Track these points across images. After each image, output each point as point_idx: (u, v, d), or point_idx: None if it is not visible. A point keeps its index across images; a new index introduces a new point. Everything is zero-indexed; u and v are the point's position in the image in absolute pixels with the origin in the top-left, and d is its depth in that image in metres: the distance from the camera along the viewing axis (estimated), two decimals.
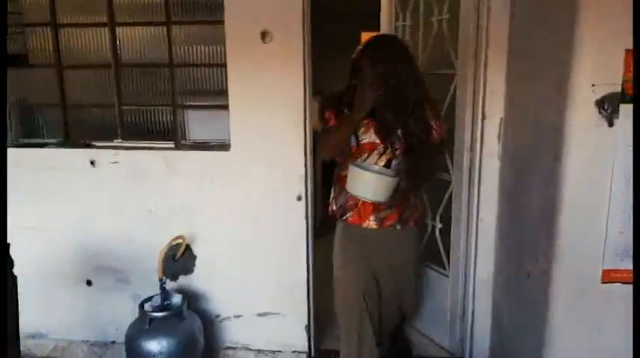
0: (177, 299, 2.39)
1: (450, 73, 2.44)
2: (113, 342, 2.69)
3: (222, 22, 2.34)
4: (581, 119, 1.68)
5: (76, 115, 2.63)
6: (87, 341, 2.70)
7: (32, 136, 2.69)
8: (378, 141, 2.05)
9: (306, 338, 2.59)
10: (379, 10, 2.91)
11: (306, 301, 2.56)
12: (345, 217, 2.13)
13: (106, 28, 2.47)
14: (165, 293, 2.37)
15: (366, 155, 2.05)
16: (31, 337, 2.67)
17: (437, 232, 2.64)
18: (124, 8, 2.49)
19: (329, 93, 2.21)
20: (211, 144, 2.55)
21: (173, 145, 2.55)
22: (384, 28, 2.88)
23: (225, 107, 2.44)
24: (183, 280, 2.59)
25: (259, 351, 2.62)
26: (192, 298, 2.53)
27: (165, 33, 2.46)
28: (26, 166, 2.56)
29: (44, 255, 2.59)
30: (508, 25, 2.19)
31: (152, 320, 2.28)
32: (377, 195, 1.96)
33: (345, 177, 2.03)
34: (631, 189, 1.65)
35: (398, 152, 2.04)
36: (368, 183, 1.94)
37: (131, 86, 2.57)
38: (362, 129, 2.04)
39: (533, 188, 1.99)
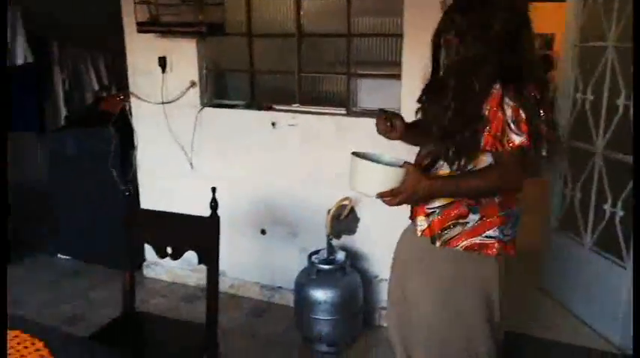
0: (341, 255, 2.57)
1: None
2: (280, 287, 2.98)
3: None
4: None
5: (261, 80, 2.90)
6: (258, 283, 3.03)
7: (223, 98, 3.03)
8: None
9: None
10: None
11: None
12: None
13: (293, 0, 2.65)
14: (331, 249, 2.56)
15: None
16: None
17: (617, 220, 2.44)
18: None
19: None
20: None
21: (345, 112, 2.69)
22: None
23: (397, 76, 2.50)
24: (345, 239, 2.75)
25: None
26: (353, 256, 2.69)
27: (345, 4, 2.56)
28: (218, 124, 2.91)
29: (229, 203, 2.92)
30: None
31: (319, 271, 2.49)
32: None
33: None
34: None
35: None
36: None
37: (310, 54, 2.75)
38: None
39: None
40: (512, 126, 1.43)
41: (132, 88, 3.06)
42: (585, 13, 2.69)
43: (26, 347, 1.33)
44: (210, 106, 2.94)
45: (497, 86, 1.44)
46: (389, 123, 1.69)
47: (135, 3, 2.64)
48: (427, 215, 1.60)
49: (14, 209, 3.48)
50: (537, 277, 3.11)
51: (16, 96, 3.61)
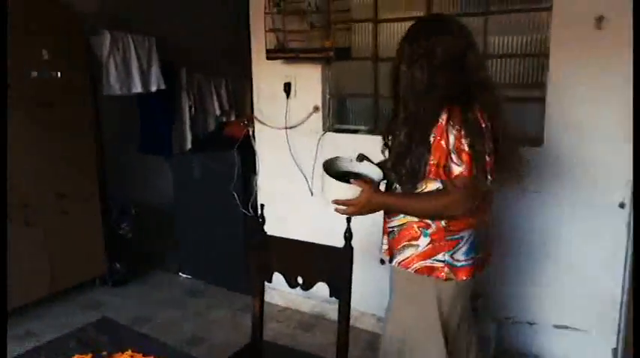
0: None
1: None
2: None
3: (548, 9, 2.18)
4: None
5: (385, 105, 2.80)
6: (375, 315, 2.89)
7: (344, 123, 2.98)
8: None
9: None
10: None
11: (616, 320, 2.25)
12: None
13: None
14: None
15: None
16: (326, 302, 2.99)
17: None
18: (441, 1, 2.53)
19: None
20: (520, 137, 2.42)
21: None
22: None
23: (538, 99, 2.30)
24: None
25: None
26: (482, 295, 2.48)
27: (482, 23, 2.41)
28: (340, 149, 2.83)
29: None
30: None
31: None
32: None
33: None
34: None
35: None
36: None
37: None
38: None
39: None
40: (453, 156, 1.49)
41: (256, 113, 3.12)
42: None
43: None
44: (332, 131, 2.90)
45: (444, 114, 1.50)
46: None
47: (265, 31, 2.68)
48: (388, 233, 1.76)
49: (143, 226, 3.67)
50: None
51: (149, 120, 3.85)
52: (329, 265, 1.82)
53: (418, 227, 1.65)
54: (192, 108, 3.90)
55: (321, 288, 1.82)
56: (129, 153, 3.96)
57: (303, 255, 1.90)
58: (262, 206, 1.99)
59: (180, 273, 3.73)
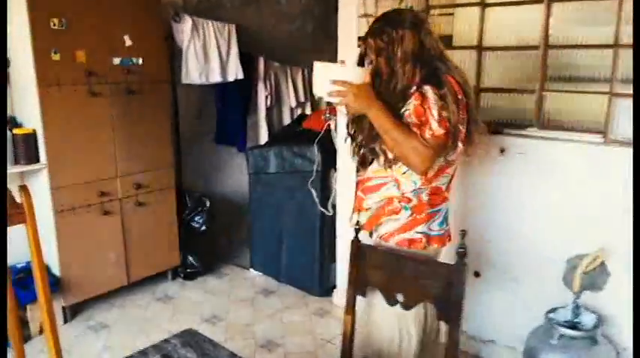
0: (589, 318, 2.07)
1: None
2: (491, 341, 2.55)
3: None
4: None
5: (488, 99, 2.51)
6: (464, 332, 2.63)
7: None
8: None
9: None
10: None
11: None
12: None
13: (541, 4, 2.23)
14: (577, 310, 2.07)
15: None
16: None
17: None
18: None
19: None
20: None
21: (601, 140, 2.18)
22: None
23: None
24: (586, 297, 2.23)
25: None
26: (600, 321, 2.15)
27: (616, 6, 2.07)
28: None
29: None
30: None
31: (562, 336, 2.02)
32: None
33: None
34: None
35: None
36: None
37: (555, 69, 2.29)
38: None
39: None
40: (435, 116, 1.61)
41: None
42: None
43: None
44: None
45: (415, 88, 1.66)
46: None
47: (358, 16, 2.46)
48: (365, 210, 1.82)
49: (216, 220, 3.57)
50: None
51: (225, 111, 3.74)
52: (437, 283, 1.59)
53: (399, 201, 1.75)
54: (269, 99, 3.76)
55: None
56: (204, 144, 3.87)
57: (405, 269, 1.67)
58: (359, 214, 1.78)
59: (252, 270, 3.60)
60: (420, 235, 1.76)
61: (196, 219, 3.43)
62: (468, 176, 2.49)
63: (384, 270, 1.71)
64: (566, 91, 2.27)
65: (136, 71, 2.98)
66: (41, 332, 2.70)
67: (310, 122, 3.46)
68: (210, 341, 1.43)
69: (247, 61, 3.57)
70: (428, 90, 1.63)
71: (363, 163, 1.86)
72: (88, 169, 2.84)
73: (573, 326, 2.05)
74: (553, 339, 2.01)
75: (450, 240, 1.87)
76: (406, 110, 1.66)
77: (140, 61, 2.99)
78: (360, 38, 1.82)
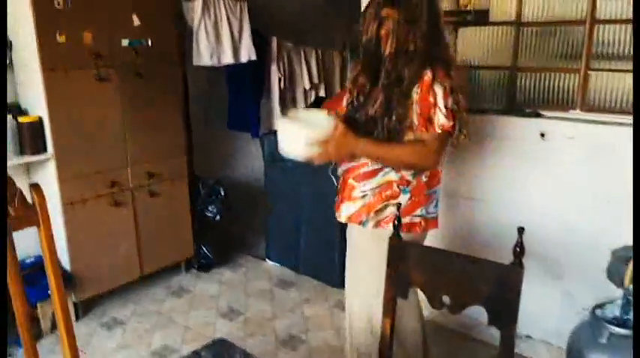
0: None
1: None
2: (528, 336, 2.42)
3: None
4: None
5: (525, 80, 2.34)
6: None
7: (472, 100, 2.53)
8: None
9: None
10: None
11: None
12: None
13: None
14: (627, 307, 1.92)
15: None
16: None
17: None
18: None
19: None
20: None
21: None
22: None
23: None
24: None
25: None
26: None
27: None
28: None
29: (474, 225, 2.46)
30: None
31: (611, 335, 1.87)
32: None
33: None
34: None
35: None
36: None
37: (600, 46, 2.12)
38: None
39: None
40: (442, 109, 1.54)
41: None
42: None
43: None
44: None
45: (428, 72, 1.55)
46: None
47: None
48: (361, 197, 1.71)
49: (231, 208, 3.41)
50: None
51: (237, 94, 3.57)
52: (489, 286, 1.44)
53: (398, 185, 1.68)
54: (282, 82, 3.58)
55: None
56: (216, 129, 3.70)
57: (452, 268, 1.53)
58: (399, 206, 1.62)
59: (268, 260, 3.47)
60: (419, 218, 1.72)
61: (210, 208, 3.28)
62: (504, 160, 2.34)
63: (427, 269, 1.57)
64: (610, 70, 2.09)
65: (145, 53, 2.80)
66: (53, 329, 2.59)
67: (329, 105, 3.28)
68: (243, 352, 1.30)
69: (259, 43, 3.38)
70: (437, 76, 1.56)
71: None
72: (98, 158, 2.69)
73: (623, 323, 1.90)
74: (602, 338, 1.87)
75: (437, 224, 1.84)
76: (416, 93, 1.59)
77: (149, 42, 2.81)
78: (362, 14, 1.65)
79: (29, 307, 1.31)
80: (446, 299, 1.52)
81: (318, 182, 3.00)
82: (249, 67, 3.36)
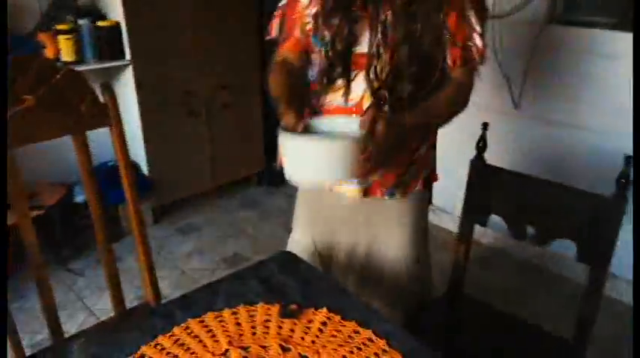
0: None
1: None
2: (614, 275, 2.26)
3: None
4: None
5: None
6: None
7: (576, 12, 2.23)
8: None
9: None
10: None
11: None
12: None
13: None
14: None
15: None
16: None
17: None
18: None
19: None
20: None
21: None
22: None
23: None
24: None
25: None
26: None
27: None
28: (566, 49, 2.17)
29: (555, 157, 2.25)
30: None
31: None
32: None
33: None
34: None
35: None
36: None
37: None
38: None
39: None
40: (478, 29, 1.20)
41: None
42: None
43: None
44: (558, 23, 2.19)
45: None
46: None
47: None
48: (407, 167, 1.34)
49: None
50: None
51: None
52: (582, 218, 1.30)
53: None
54: None
55: None
56: None
57: (540, 197, 1.39)
58: (486, 124, 1.47)
59: None
60: (434, 173, 1.45)
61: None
62: (608, 86, 2.07)
63: (511, 197, 1.44)
64: None
65: None
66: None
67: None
68: (311, 268, 1.27)
69: None
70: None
71: None
72: (172, 67, 2.67)
73: None
74: None
75: None
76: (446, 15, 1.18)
77: None
78: None
79: (104, 209, 1.33)
80: (530, 229, 1.40)
81: None
82: None
